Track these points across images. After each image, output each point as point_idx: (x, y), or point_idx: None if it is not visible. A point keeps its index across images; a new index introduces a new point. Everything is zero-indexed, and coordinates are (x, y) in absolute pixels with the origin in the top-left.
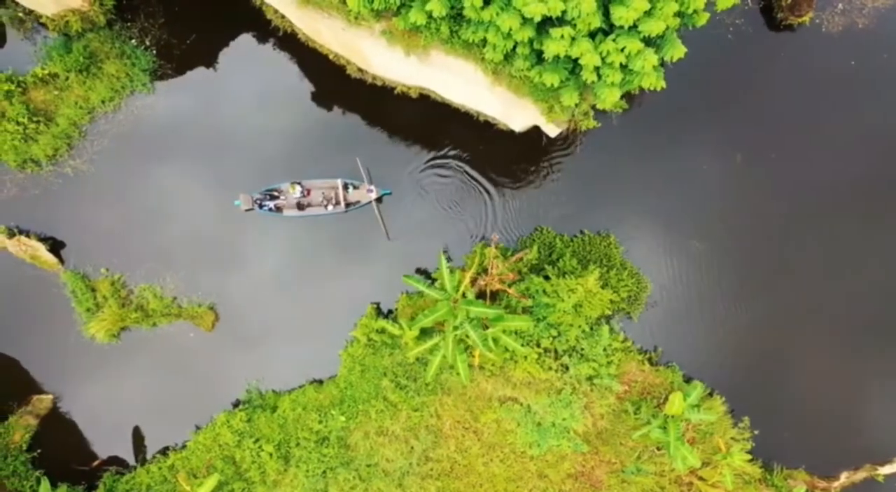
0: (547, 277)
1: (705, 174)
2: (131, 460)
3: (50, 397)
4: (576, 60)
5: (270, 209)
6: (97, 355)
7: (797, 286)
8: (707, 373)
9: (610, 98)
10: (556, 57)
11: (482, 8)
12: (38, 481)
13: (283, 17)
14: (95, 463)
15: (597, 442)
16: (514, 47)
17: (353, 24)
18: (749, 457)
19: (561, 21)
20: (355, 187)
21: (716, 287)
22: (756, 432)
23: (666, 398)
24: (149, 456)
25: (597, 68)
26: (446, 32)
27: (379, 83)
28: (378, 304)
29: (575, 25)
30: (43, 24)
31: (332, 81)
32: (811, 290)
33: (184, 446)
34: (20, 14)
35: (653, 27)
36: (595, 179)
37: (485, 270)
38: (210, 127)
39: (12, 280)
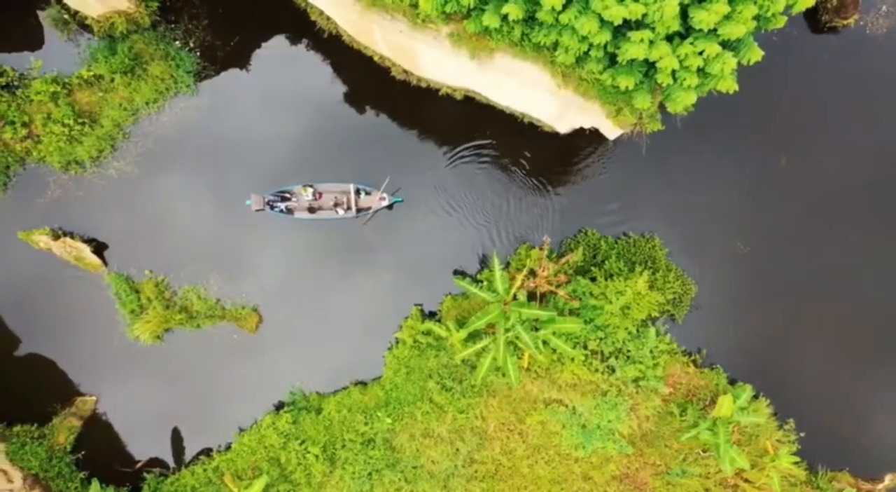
0: (593, 279)
1: (750, 176)
2: (174, 462)
3: (93, 398)
4: (651, 63)
5: (281, 211)
6: (140, 357)
7: (841, 289)
8: (750, 375)
9: (685, 101)
10: (632, 60)
11: (560, 11)
12: (83, 483)
13: (327, 18)
14: (139, 464)
15: (641, 444)
16: (588, 50)
17: (418, 26)
18: (796, 459)
19: (640, 24)
20: (367, 193)
21: (759, 289)
22: (802, 434)
23: (711, 400)
24: (192, 458)
25: (672, 71)
26: (518, 35)
27: (423, 85)
28: (421, 305)
29: (654, 28)
30: (87, 26)
31: (375, 83)
32: (854, 293)
33: (228, 448)
34: (65, 16)
35: (733, 31)
36: (637, 180)
37: (531, 272)
38: (252, 128)
39: (57, 282)
